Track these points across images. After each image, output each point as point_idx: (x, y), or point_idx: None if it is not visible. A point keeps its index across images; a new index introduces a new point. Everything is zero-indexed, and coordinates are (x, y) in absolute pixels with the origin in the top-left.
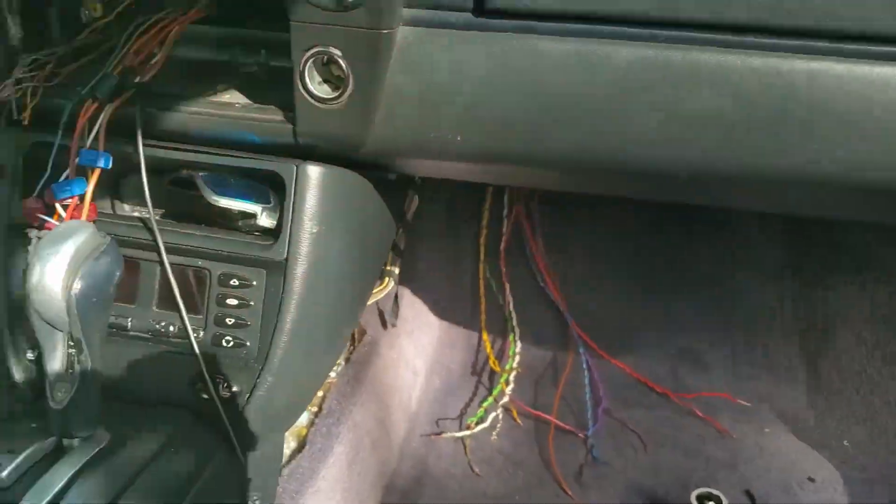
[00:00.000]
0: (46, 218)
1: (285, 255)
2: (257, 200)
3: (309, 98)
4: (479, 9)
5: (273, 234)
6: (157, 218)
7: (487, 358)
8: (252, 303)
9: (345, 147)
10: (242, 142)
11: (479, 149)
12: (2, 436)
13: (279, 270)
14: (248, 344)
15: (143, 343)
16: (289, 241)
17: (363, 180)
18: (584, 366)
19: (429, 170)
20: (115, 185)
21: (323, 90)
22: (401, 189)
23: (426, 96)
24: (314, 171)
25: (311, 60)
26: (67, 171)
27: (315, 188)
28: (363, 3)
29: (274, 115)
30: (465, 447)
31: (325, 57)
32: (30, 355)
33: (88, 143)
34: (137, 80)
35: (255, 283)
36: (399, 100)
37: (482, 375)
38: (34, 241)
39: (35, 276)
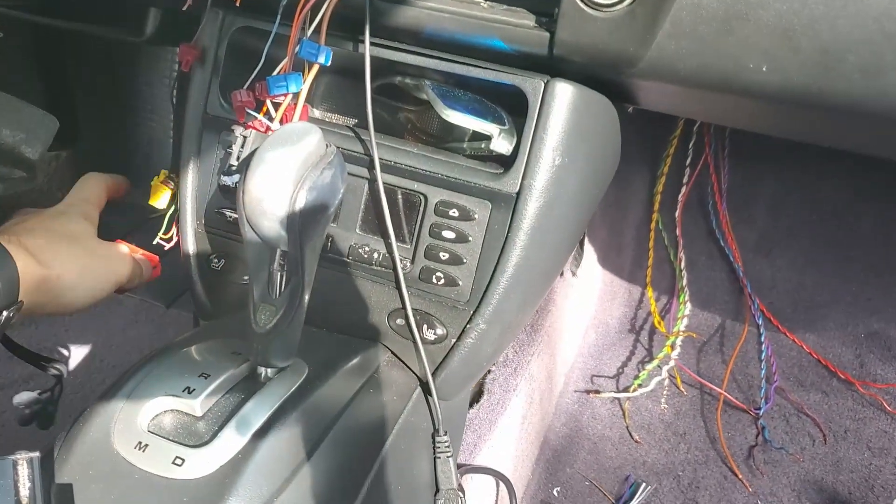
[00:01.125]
0: (256, 115)
1: (518, 188)
2: (492, 120)
3: (580, 3)
4: None
5: (504, 161)
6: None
7: (650, 316)
8: (471, 238)
9: (612, 65)
10: (484, 48)
11: (787, 83)
12: (191, 357)
13: (508, 204)
14: (460, 283)
15: (340, 268)
16: (524, 172)
17: (612, 108)
18: (761, 339)
19: (661, 100)
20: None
21: None
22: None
23: (734, 13)
24: (567, 90)
25: None
26: (282, 65)
27: (565, 111)
28: None
29: (525, 19)
30: (623, 410)
31: None
32: (215, 264)
33: (309, 34)
34: None
35: (477, 215)
36: (695, 14)
37: (641, 334)
38: (239, 139)
39: (255, 184)
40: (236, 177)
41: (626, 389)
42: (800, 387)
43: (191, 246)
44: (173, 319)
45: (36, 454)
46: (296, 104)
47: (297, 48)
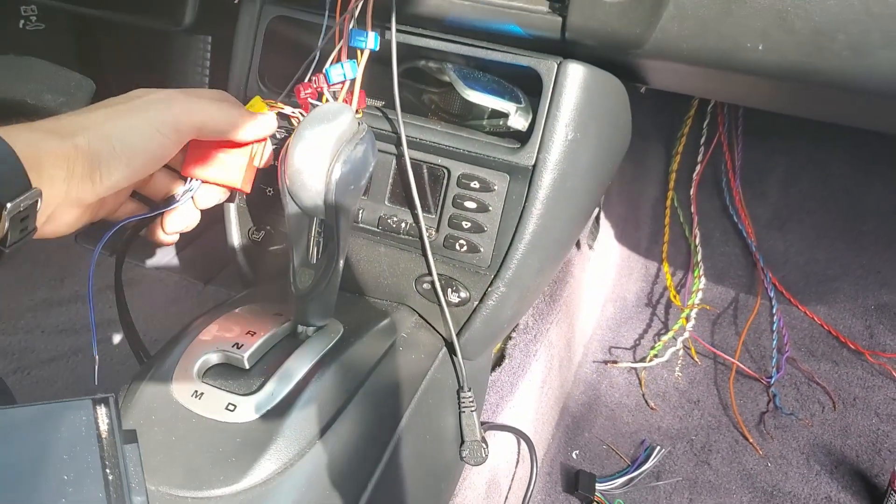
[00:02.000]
0: (317, 103)
1: (534, 161)
2: (509, 99)
3: None
4: None
5: (521, 136)
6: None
7: (665, 290)
8: (491, 208)
9: (620, 46)
10: (502, 33)
11: (783, 62)
12: (239, 317)
13: (525, 176)
14: (481, 250)
15: (370, 236)
16: (539, 146)
17: (621, 86)
18: (773, 311)
19: (668, 80)
20: None
21: None
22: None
23: None
24: (578, 71)
25: None
26: (334, 54)
27: (576, 89)
28: None
29: (539, 6)
30: (639, 379)
31: None
32: (255, 236)
33: (354, 23)
34: None
35: (496, 187)
36: None
37: (657, 307)
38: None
39: (296, 158)
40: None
41: (642, 360)
42: (811, 357)
43: (233, 220)
44: (210, 296)
45: (112, 395)
46: (352, 90)
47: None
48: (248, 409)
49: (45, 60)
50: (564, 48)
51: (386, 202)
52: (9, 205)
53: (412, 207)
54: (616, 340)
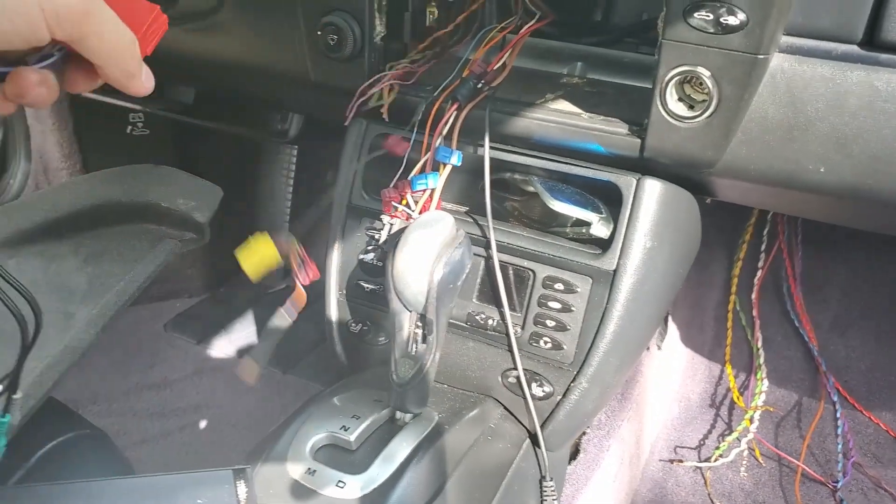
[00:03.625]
0: (405, 208)
1: (615, 266)
2: (591, 209)
3: (666, 115)
4: (869, 41)
5: (602, 244)
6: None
7: (729, 391)
8: (574, 308)
9: (692, 166)
10: (585, 151)
11: (842, 183)
12: (344, 402)
13: (606, 280)
14: (564, 347)
15: (460, 332)
16: (620, 253)
17: (692, 199)
18: (837, 415)
19: (734, 194)
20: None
21: (679, 108)
22: None
23: (795, 125)
24: (655, 186)
25: (675, 79)
26: (419, 166)
27: (653, 203)
28: (744, 28)
29: (619, 128)
30: (704, 479)
31: (687, 76)
32: (353, 328)
33: (441, 140)
34: (491, 85)
35: (579, 289)
36: (762, 125)
37: (721, 408)
38: (386, 226)
39: (404, 258)
40: (372, 255)
41: (707, 459)
42: (877, 462)
43: (334, 312)
44: (290, 384)
45: (249, 467)
46: (431, 197)
47: (434, 152)
48: (356, 486)
49: (168, 166)
50: (641, 165)
51: (474, 300)
52: None
53: (499, 306)
54: (681, 440)
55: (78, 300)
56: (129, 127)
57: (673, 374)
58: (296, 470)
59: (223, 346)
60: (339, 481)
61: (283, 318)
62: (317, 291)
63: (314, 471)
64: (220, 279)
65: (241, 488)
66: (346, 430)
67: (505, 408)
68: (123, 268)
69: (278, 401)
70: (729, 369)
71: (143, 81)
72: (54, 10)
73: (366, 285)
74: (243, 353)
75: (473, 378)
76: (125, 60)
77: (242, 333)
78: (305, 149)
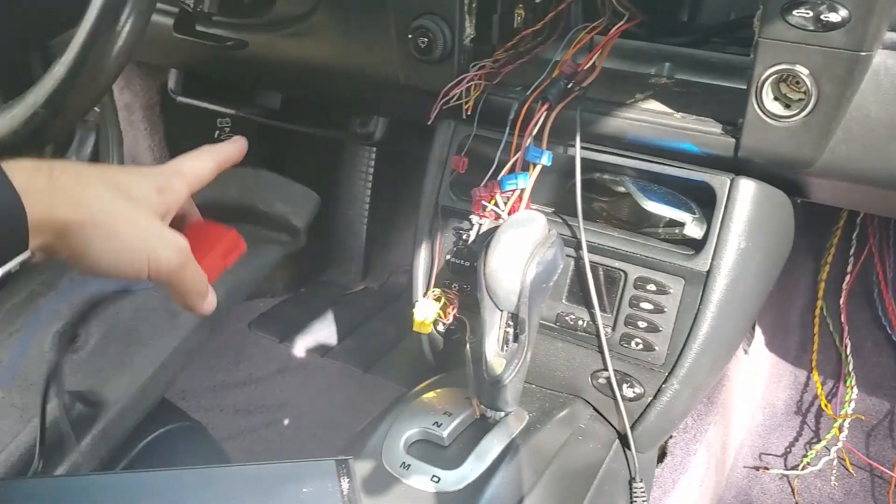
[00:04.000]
0: (495, 208)
1: (708, 267)
2: (684, 209)
3: (762, 114)
4: None
5: (694, 244)
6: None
7: (815, 398)
8: (666, 309)
9: (789, 165)
10: (677, 151)
11: None
12: (435, 399)
13: (699, 281)
14: (656, 349)
15: (550, 332)
16: (713, 253)
17: (786, 200)
18: None
19: (830, 195)
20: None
21: (775, 107)
22: None
23: None
24: (749, 186)
25: (771, 77)
26: (508, 166)
27: (748, 203)
28: (846, 25)
29: (713, 128)
30: (792, 488)
31: (783, 75)
32: (441, 328)
33: (532, 140)
34: (581, 85)
35: (671, 290)
36: (864, 124)
37: (807, 416)
38: (475, 226)
39: (496, 257)
40: (459, 256)
41: (794, 468)
42: None
43: None
44: (369, 384)
45: (350, 458)
46: (521, 197)
47: (524, 153)
48: (450, 482)
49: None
50: (735, 165)
51: (563, 300)
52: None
53: (589, 306)
54: (766, 447)
55: None
56: (217, 132)
57: (757, 379)
58: (391, 463)
59: (305, 346)
60: (434, 476)
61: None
62: (394, 292)
63: (408, 465)
64: (302, 280)
65: (344, 479)
66: (438, 426)
67: (594, 409)
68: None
69: (358, 399)
70: (816, 376)
71: (206, 307)
72: (157, 262)
73: (453, 285)
74: (325, 352)
75: (562, 378)
76: (195, 296)
77: (323, 333)
78: (385, 151)
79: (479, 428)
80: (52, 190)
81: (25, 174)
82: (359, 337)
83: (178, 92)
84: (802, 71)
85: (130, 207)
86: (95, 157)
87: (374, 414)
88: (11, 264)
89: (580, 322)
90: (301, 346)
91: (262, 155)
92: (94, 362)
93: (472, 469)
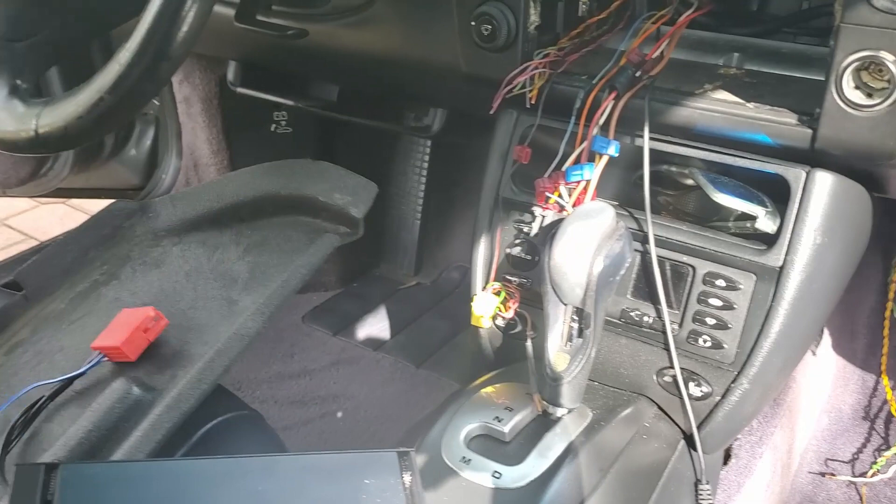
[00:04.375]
0: (559, 200)
1: (781, 263)
2: (756, 202)
3: (841, 103)
4: None
5: (767, 239)
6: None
7: (885, 404)
8: (736, 306)
9: (870, 157)
10: (749, 142)
11: None
12: (496, 394)
13: (772, 277)
14: (725, 346)
15: (614, 328)
16: (787, 248)
17: (865, 194)
18: None
19: None
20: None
21: (856, 96)
22: None
23: None
24: (826, 179)
25: (853, 65)
26: (573, 157)
27: (825, 197)
28: None
29: (788, 118)
30: (860, 495)
31: (865, 62)
32: (499, 322)
33: (598, 130)
34: (649, 74)
35: (742, 286)
36: None
37: (876, 422)
38: (538, 217)
39: (562, 250)
40: (520, 248)
41: (862, 475)
42: None
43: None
44: (422, 379)
45: (411, 449)
46: (585, 189)
47: (591, 142)
48: (512, 478)
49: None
50: (811, 157)
51: (629, 296)
52: None
53: (656, 302)
54: (832, 452)
55: (240, 288)
56: (273, 125)
57: (824, 382)
58: (450, 457)
59: (358, 339)
60: (495, 472)
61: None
62: (447, 288)
63: (469, 459)
64: (354, 275)
65: (406, 471)
66: (499, 422)
67: (659, 407)
68: (282, 259)
69: (411, 395)
70: (885, 380)
71: None
72: None
73: (513, 279)
74: (378, 346)
75: (626, 376)
76: None
77: (376, 327)
78: (440, 144)
79: (541, 424)
80: None
81: None
82: (411, 332)
83: (236, 83)
84: (888, 58)
85: None
86: (154, 150)
87: (426, 409)
88: None
89: (646, 318)
90: (354, 340)
91: (317, 147)
92: (151, 349)
93: (534, 466)
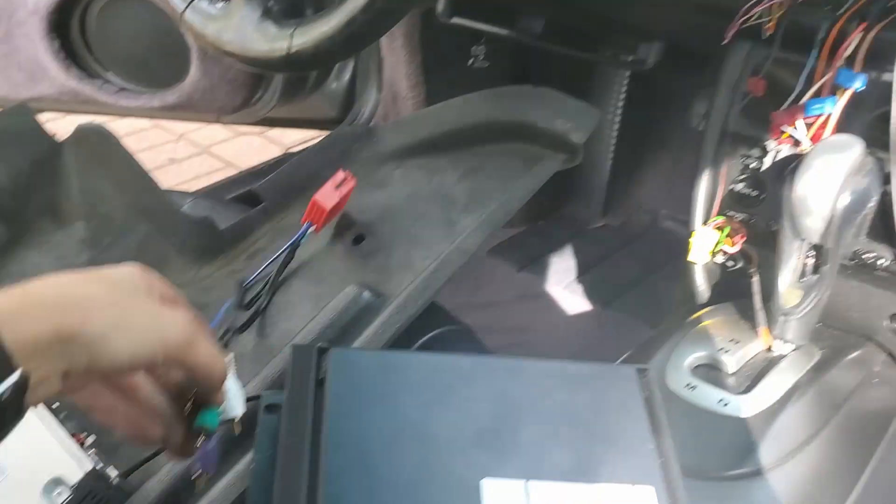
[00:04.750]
0: (794, 132)
1: None
2: None
3: None
4: None
5: None
6: None
7: None
8: None
9: None
10: None
11: None
12: (719, 325)
13: None
14: None
15: (843, 269)
16: None
17: None
18: None
19: None
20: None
21: None
22: None
23: None
24: None
25: None
26: (812, 90)
27: None
28: None
29: None
30: None
31: None
32: (719, 259)
33: (843, 63)
34: None
35: None
36: None
37: None
38: (771, 152)
39: (806, 183)
40: (745, 184)
41: None
42: None
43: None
44: (609, 320)
45: (649, 367)
46: (825, 124)
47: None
48: (738, 407)
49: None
50: None
51: (863, 237)
52: None
53: (893, 245)
54: None
55: (459, 209)
56: (471, 60)
57: None
58: (674, 383)
59: (543, 276)
60: (721, 400)
61: None
62: (637, 230)
63: (694, 386)
64: (540, 213)
65: (644, 386)
66: (725, 353)
67: (889, 354)
68: (499, 184)
69: (599, 333)
70: None
71: (220, 398)
72: (167, 348)
73: (736, 215)
74: (563, 284)
75: (855, 319)
76: (213, 379)
77: (562, 265)
78: (640, 79)
79: (767, 360)
80: (30, 306)
81: None
82: (599, 272)
83: (445, 14)
84: None
85: (124, 294)
86: (353, 84)
87: (615, 349)
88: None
89: (880, 261)
90: (539, 277)
91: (512, 83)
92: (380, 261)
93: (759, 399)
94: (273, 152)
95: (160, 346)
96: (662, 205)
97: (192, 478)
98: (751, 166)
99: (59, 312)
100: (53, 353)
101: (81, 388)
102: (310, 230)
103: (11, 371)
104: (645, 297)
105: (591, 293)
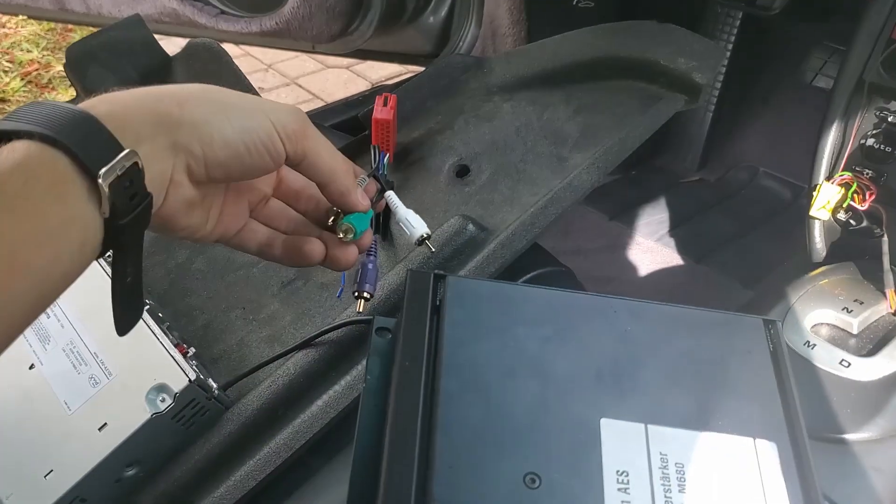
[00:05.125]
0: None
1: None
2: None
3: None
4: None
5: None
6: None
7: None
8: None
9: None
10: None
11: None
12: (842, 285)
13: None
14: None
15: None
16: None
17: None
18: None
19: None
20: None
21: None
22: None
23: None
24: None
25: None
26: None
27: None
28: None
29: None
30: None
31: None
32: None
33: None
34: None
35: None
36: None
37: None
38: None
39: None
40: (876, 139)
41: None
42: None
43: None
44: (700, 274)
45: (777, 321)
46: None
47: None
48: (862, 369)
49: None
50: None
51: None
52: (102, 171)
53: None
54: None
55: (570, 146)
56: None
57: None
58: (793, 341)
59: (634, 227)
60: (843, 360)
61: None
62: (733, 187)
63: (814, 345)
64: (633, 163)
65: (771, 338)
66: (848, 313)
67: None
68: (614, 121)
69: (690, 288)
70: None
71: (360, 198)
72: (283, 126)
73: (865, 171)
74: (655, 237)
75: None
76: (342, 175)
77: (654, 218)
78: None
79: (894, 324)
80: (126, 101)
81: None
82: (692, 227)
83: None
84: None
85: (217, 93)
86: (450, 18)
87: (704, 306)
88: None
89: None
90: (630, 227)
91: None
92: (485, 195)
93: (884, 363)
94: (360, 86)
95: (270, 126)
96: (763, 163)
97: (355, 295)
98: (889, 120)
99: (152, 100)
100: (158, 133)
101: (213, 189)
102: (385, 158)
103: (120, 150)
104: (739, 256)
105: (682, 248)
